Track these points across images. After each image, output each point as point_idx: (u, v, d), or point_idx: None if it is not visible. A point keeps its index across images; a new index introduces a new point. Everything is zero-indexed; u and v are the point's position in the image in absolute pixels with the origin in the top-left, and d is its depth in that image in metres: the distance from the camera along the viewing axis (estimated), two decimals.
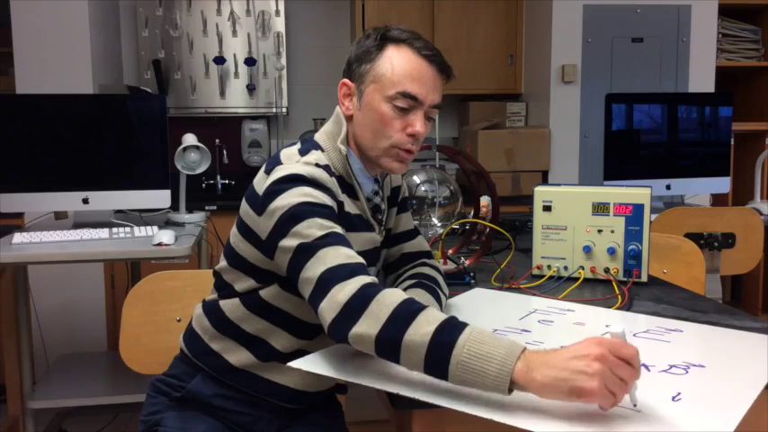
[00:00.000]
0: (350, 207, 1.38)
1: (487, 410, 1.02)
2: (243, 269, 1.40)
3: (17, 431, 2.72)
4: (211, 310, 1.45)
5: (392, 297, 1.12)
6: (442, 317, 1.09)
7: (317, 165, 1.32)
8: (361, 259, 1.21)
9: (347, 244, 1.23)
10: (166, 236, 2.43)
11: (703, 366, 1.22)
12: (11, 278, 2.69)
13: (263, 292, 1.39)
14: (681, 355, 1.27)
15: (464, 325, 1.07)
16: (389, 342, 1.08)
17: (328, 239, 1.21)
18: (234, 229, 1.42)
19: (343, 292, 1.14)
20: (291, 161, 1.34)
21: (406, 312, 1.09)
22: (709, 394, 1.11)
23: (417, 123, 1.35)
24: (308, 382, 1.43)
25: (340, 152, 1.39)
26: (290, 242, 1.23)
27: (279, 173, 1.30)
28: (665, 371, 1.20)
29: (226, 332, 1.42)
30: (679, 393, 1.09)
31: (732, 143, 3.55)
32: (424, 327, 1.06)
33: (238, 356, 1.41)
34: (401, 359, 1.09)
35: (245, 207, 1.38)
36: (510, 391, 1.01)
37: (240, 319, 1.41)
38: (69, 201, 2.69)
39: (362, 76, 1.38)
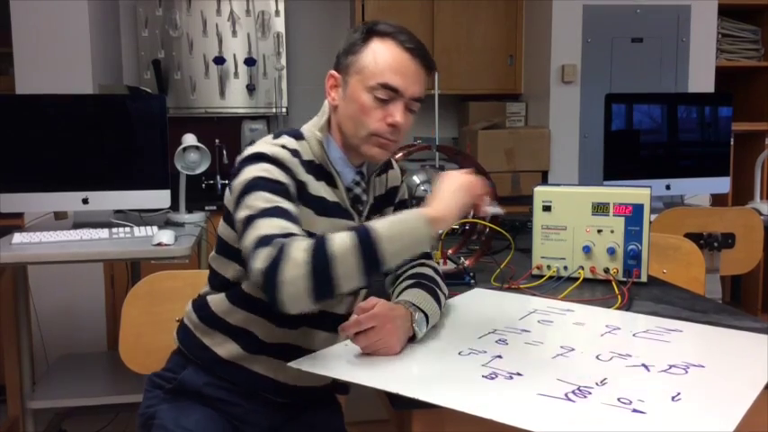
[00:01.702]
0: (326, 194, 1.41)
1: (487, 410, 1.02)
2: (226, 254, 1.45)
3: (17, 431, 2.72)
4: (200, 305, 1.49)
5: (303, 242, 1.19)
6: (348, 231, 1.20)
7: (284, 147, 1.37)
8: (294, 230, 1.24)
9: (288, 217, 1.26)
10: (166, 236, 2.43)
11: (703, 366, 1.22)
12: (11, 278, 2.69)
13: (244, 285, 1.42)
14: (680, 355, 1.27)
15: (368, 223, 1.23)
16: (320, 268, 1.16)
17: (268, 212, 1.25)
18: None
19: (260, 256, 1.18)
20: (261, 143, 1.40)
21: (319, 244, 1.18)
22: (709, 394, 1.11)
23: (397, 114, 1.38)
24: (299, 377, 1.40)
25: (318, 140, 1.43)
26: (241, 214, 1.28)
27: (245, 153, 1.38)
28: (664, 371, 1.20)
29: (213, 325, 1.45)
30: (679, 393, 1.09)
31: (732, 143, 3.54)
32: (341, 241, 1.19)
33: (226, 348, 1.44)
34: (337, 279, 1.17)
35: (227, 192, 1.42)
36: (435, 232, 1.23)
37: (225, 313, 1.44)
38: (69, 201, 2.69)
39: (347, 68, 1.41)
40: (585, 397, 1.07)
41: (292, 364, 1.23)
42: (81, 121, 2.70)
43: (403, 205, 1.61)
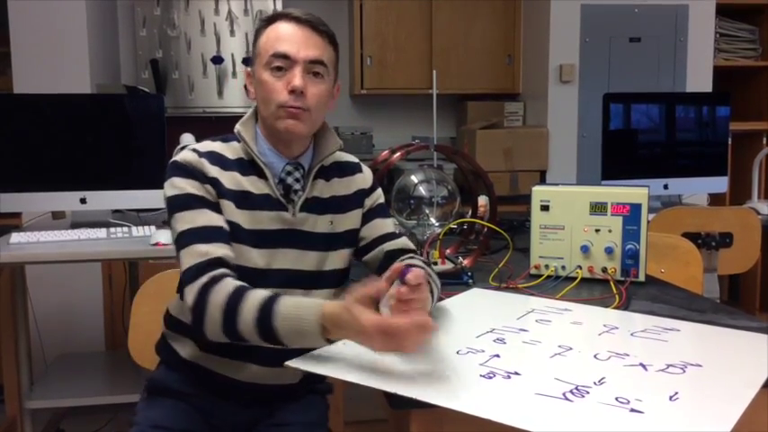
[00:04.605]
0: (253, 187, 1.44)
1: (486, 410, 1.02)
2: None
3: (15, 431, 2.72)
4: (165, 313, 1.57)
5: (219, 295, 1.28)
6: (258, 303, 1.25)
7: (194, 150, 1.44)
8: (216, 253, 1.33)
9: (204, 237, 1.35)
10: (164, 235, 2.43)
11: (701, 366, 1.22)
12: (8, 278, 2.68)
13: None
14: (678, 355, 1.27)
15: (273, 303, 1.25)
16: (231, 335, 1.29)
17: (187, 236, 1.36)
18: None
19: (189, 296, 1.30)
20: (185, 149, 1.48)
21: (232, 306, 1.27)
22: (707, 394, 1.11)
23: (295, 78, 1.39)
24: (261, 375, 1.46)
25: (241, 135, 1.47)
26: (171, 235, 1.41)
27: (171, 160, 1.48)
28: (662, 370, 1.20)
29: (173, 327, 1.52)
30: (676, 393, 1.09)
31: (730, 143, 3.55)
32: (248, 317, 1.25)
33: (186, 348, 1.49)
34: (243, 337, 1.28)
35: None
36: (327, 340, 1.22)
37: (179, 313, 1.49)
38: (67, 200, 2.69)
39: (252, 59, 1.47)
40: (583, 396, 1.07)
41: (289, 363, 1.22)
42: (79, 121, 2.70)
43: (380, 209, 1.60)
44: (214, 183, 1.41)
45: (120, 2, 4.14)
